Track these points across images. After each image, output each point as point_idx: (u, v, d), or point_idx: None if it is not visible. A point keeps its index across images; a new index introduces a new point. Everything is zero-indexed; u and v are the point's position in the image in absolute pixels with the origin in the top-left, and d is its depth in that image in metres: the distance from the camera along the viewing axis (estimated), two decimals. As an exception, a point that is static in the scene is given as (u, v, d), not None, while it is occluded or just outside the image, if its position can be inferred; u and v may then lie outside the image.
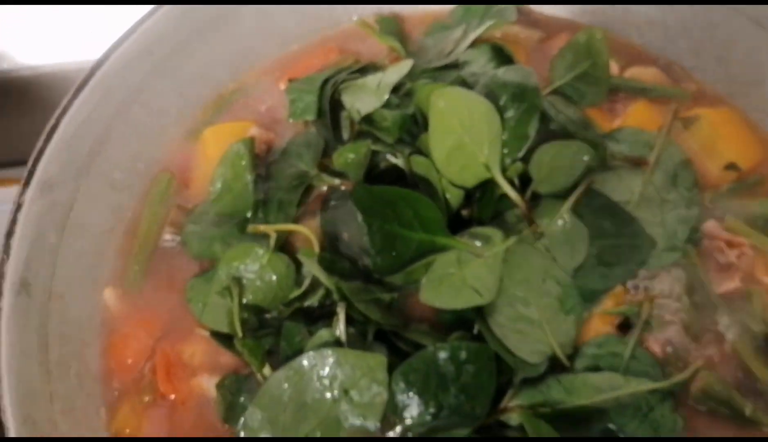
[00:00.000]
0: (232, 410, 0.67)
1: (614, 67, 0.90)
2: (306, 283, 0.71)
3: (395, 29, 0.90)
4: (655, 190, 0.78)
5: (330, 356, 0.63)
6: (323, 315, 0.71)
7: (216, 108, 0.88)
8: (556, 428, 0.64)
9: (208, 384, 0.70)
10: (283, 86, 0.88)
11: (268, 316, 0.73)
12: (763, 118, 0.85)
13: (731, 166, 0.81)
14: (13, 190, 0.72)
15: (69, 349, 0.70)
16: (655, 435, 0.66)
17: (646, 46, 0.92)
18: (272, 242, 0.73)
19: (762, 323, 0.72)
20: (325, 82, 0.82)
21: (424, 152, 0.74)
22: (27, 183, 0.71)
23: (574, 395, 0.67)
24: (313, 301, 0.71)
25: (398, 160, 0.75)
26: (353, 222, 0.73)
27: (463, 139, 0.71)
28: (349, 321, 0.68)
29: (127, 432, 0.69)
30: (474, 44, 0.85)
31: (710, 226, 0.77)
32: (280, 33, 0.91)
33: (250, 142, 0.78)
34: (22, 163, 0.75)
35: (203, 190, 0.81)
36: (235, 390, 0.69)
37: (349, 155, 0.77)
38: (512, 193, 0.72)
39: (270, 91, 0.89)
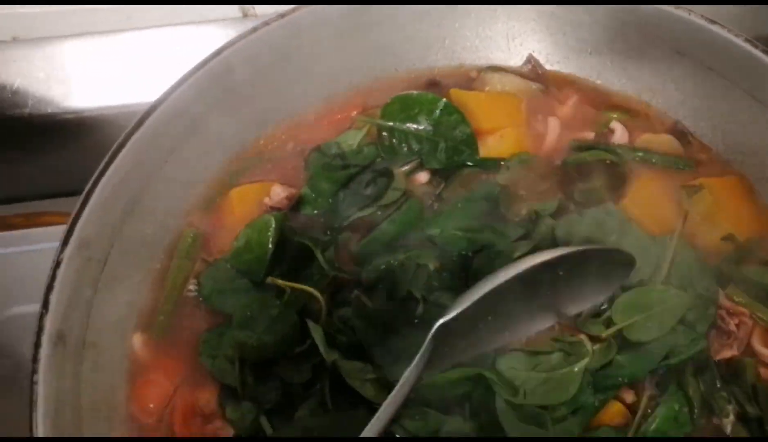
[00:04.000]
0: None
1: (624, 135, 0.94)
2: (310, 342, 0.77)
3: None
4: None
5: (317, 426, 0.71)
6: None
7: (242, 168, 0.94)
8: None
9: (221, 432, 0.76)
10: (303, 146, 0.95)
11: (273, 370, 0.78)
12: (762, 189, 0.88)
13: (729, 238, 0.85)
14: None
15: (99, 394, 0.77)
16: None
17: (648, 111, 0.96)
18: (286, 296, 0.79)
19: (754, 404, 0.75)
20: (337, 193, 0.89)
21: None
22: (66, 242, 0.77)
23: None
24: (315, 361, 0.77)
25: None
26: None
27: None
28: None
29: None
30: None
31: None
32: (300, 95, 0.97)
33: (282, 217, 0.85)
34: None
35: (226, 246, 0.87)
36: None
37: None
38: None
39: (291, 150, 0.95)
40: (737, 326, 0.79)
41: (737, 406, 0.75)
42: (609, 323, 0.77)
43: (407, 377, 0.65)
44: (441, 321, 0.66)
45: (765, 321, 0.80)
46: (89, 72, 1.20)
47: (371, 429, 0.63)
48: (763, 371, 0.78)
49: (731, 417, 0.74)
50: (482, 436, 0.72)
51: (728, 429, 0.74)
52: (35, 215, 1.22)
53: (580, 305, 0.77)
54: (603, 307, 0.78)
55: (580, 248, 0.74)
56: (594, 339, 0.76)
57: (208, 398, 0.79)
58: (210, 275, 0.85)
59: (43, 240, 1.01)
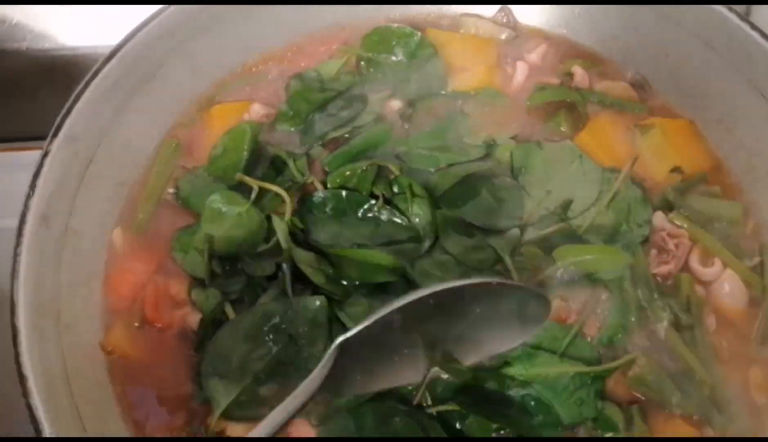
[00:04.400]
0: (203, 345, 0.79)
1: (584, 79, 1.00)
2: (273, 240, 0.83)
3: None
4: (609, 221, 0.87)
5: (277, 311, 0.78)
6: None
7: (225, 90, 1.00)
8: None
9: (189, 318, 0.82)
10: (285, 73, 1.01)
11: (239, 266, 0.84)
12: (708, 129, 0.95)
13: (676, 170, 0.92)
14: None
15: (78, 277, 0.82)
16: (579, 414, 0.76)
17: (611, 57, 1.02)
18: (253, 194, 0.85)
19: (688, 313, 0.82)
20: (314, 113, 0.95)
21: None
22: (55, 134, 0.82)
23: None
24: (279, 259, 0.82)
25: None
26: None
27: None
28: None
29: (116, 351, 0.81)
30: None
31: (658, 218, 0.87)
32: (286, 27, 1.03)
33: (257, 127, 0.92)
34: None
35: (204, 157, 0.93)
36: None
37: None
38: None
39: (273, 76, 1.01)
40: (676, 246, 0.85)
41: (672, 315, 0.81)
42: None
43: (305, 385, 0.64)
44: (342, 337, 0.65)
45: (702, 243, 0.86)
46: (88, 11, 1.25)
47: (264, 428, 0.62)
48: (698, 286, 0.84)
49: (665, 323, 0.80)
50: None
51: (662, 334, 0.80)
52: (19, 149, 1.26)
53: (490, 348, 0.76)
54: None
55: (494, 279, 0.74)
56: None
57: (178, 289, 0.84)
58: (188, 180, 0.91)
59: (24, 163, 1.05)
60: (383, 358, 0.71)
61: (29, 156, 1.07)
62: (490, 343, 0.76)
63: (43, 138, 1.26)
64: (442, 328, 0.71)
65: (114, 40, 1.21)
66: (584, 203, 0.87)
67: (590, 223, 0.85)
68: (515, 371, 0.77)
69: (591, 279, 0.82)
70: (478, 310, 0.71)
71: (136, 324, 0.82)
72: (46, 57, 1.26)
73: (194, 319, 0.81)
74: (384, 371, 0.72)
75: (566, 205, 0.86)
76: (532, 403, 0.76)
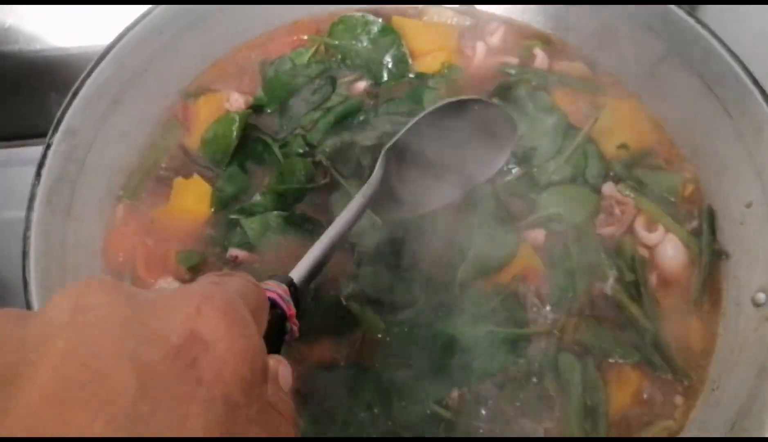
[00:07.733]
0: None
1: (544, 60, 1.09)
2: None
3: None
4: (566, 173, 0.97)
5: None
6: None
7: (208, 79, 1.09)
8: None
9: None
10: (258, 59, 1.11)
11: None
12: (654, 106, 1.04)
13: (622, 146, 1.01)
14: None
15: (80, 257, 0.90)
16: (490, 366, 0.84)
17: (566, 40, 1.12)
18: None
19: (631, 271, 0.91)
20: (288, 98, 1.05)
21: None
22: (56, 129, 0.90)
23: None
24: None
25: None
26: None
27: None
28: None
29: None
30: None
31: (607, 187, 0.97)
32: (261, 20, 1.12)
33: (246, 116, 1.00)
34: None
35: (193, 144, 1.02)
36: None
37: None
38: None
39: (249, 65, 1.10)
40: (621, 212, 0.94)
41: (617, 272, 0.90)
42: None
43: (365, 190, 0.79)
44: (389, 143, 0.83)
45: (646, 211, 0.95)
46: (76, 13, 1.32)
47: (333, 230, 0.72)
48: (641, 248, 0.94)
49: (611, 281, 0.89)
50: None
51: (608, 290, 0.89)
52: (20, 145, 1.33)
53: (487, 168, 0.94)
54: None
55: (474, 96, 0.92)
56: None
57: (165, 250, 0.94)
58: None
59: (26, 159, 1.13)
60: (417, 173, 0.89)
61: (31, 152, 1.17)
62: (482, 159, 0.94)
63: (38, 135, 1.35)
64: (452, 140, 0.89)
65: (101, 40, 1.29)
66: (546, 155, 0.98)
67: (549, 175, 0.96)
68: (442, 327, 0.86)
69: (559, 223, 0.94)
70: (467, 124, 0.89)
71: (128, 281, 0.92)
72: (39, 58, 1.34)
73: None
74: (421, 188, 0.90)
75: (530, 154, 0.97)
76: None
